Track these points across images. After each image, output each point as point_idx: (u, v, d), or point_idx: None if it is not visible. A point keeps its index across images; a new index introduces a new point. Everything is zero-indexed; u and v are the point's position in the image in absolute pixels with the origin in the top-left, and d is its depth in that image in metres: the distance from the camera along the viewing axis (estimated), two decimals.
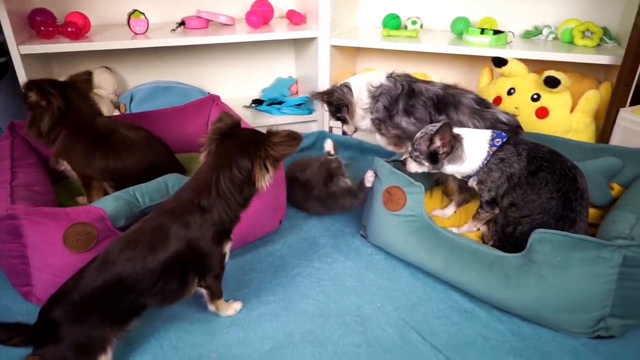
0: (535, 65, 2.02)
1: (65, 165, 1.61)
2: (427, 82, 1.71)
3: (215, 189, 1.09)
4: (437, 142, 1.40)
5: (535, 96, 1.92)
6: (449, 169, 1.46)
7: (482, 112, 1.59)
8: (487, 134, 1.43)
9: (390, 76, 1.72)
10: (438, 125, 1.40)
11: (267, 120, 2.46)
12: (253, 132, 1.16)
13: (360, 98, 1.74)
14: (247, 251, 1.60)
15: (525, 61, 1.98)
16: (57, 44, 2.00)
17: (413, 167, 1.50)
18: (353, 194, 1.66)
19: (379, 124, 1.74)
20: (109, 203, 1.38)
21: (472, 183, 1.48)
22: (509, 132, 1.51)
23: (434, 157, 1.43)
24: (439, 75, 2.55)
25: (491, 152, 1.40)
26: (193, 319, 1.30)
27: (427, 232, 1.41)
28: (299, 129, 2.48)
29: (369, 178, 1.57)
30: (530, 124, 1.90)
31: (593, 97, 1.85)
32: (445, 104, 1.61)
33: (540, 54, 2.00)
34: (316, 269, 1.52)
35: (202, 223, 1.10)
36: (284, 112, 2.52)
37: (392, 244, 1.52)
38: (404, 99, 1.67)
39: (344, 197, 1.70)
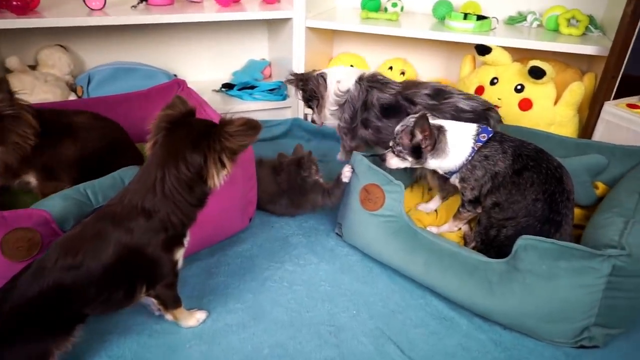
0: (517, 53, 1.94)
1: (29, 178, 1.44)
2: (385, 86, 1.61)
3: (160, 189, 0.96)
4: (419, 135, 1.31)
5: (519, 87, 1.84)
6: (432, 163, 1.37)
7: (440, 105, 1.50)
8: (472, 128, 1.34)
9: (359, 81, 1.65)
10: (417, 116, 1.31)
11: (238, 106, 2.31)
12: (207, 123, 1.01)
13: (329, 97, 1.69)
14: (214, 252, 1.48)
15: (507, 49, 1.89)
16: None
17: (394, 162, 1.40)
18: (326, 190, 1.56)
19: (344, 133, 1.77)
20: (56, 203, 1.24)
21: (454, 180, 1.40)
22: (475, 119, 1.44)
23: (417, 151, 1.34)
24: (419, 61, 2.47)
25: (475, 148, 1.31)
26: (151, 332, 1.19)
27: (406, 233, 1.33)
28: (272, 115, 2.36)
29: (345, 173, 1.47)
30: (513, 116, 1.83)
31: (578, 90, 1.78)
32: (396, 111, 1.55)
33: (525, 42, 1.91)
34: (288, 272, 1.42)
35: (147, 228, 0.97)
36: (256, 98, 2.38)
37: (369, 245, 1.43)
38: (361, 111, 1.65)
39: (315, 191, 1.58)
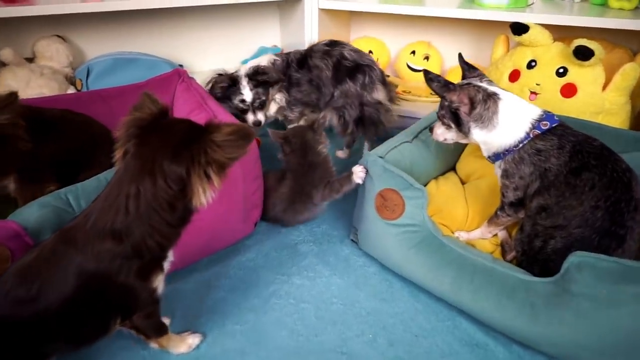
0: (556, 32, 1.69)
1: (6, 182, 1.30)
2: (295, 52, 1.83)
3: (134, 208, 0.80)
4: (453, 97, 1.13)
5: (561, 70, 1.60)
6: (477, 135, 1.15)
7: (331, 50, 1.73)
8: (534, 110, 1.13)
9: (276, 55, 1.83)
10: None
11: None
12: (187, 126, 0.84)
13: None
14: (214, 262, 1.33)
15: (547, 27, 1.65)
16: None
17: (440, 132, 1.23)
18: (334, 182, 1.37)
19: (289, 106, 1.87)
20: (32, 212, 1.10)
21: (497, 170, 1.19)
22: (352, 68, 1.70)
23: (456, 115, 1.16)
24: (444, 44, 2.24)
25: (531, 135, 1.10)
26: (139, 358, 1.04)
27: (430, 245, 1.14)
28: None
29: (358, 173, 1.28)
30: (555, 103, 1.59)
31: (632, 72, 1.53)
32: (305, 62, 1.76)
33: (567, 19, 1.67)
34: (295, 287, 1.25)
35: (117, 254, 0.81)
36: None
37: (387, 256, 1.25)
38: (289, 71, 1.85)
39: (325, 170, 1.42)
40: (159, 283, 0.90)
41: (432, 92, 2.11)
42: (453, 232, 1.35)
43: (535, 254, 1.08)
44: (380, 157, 1.22)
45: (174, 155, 0.79)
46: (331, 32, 2.18)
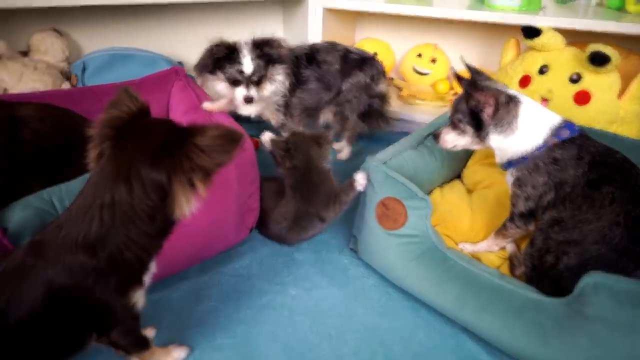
0: (569, 37, 1.62)
1: None
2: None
3: (109, 219, 0.72)
4: (480, 97, 1.07)
5: (574, 77, 1.53)
6: (494, 140, 1.09)
7: (336, 45, 1.67)
8: (554, 118, 1.07)
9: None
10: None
11: None
12: (170, 128, 0.77)
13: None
14: (205, 269, 1.26)
15: (560, 31, 1.59)
16: None
17: (450, 138, 1.16)
18: (337, 194, 1.27)
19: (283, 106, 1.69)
20: (13, 214, 1.05)
21: (508, 178, 1.13)
22: (362, 61, 1.66)
23: (477, 119, 1.09)
24: (452, 47, 2.18)
25: (549, 143, 1.04)
26: None
27: (433, 258, 1.07)
28: None
29: (360, 181, 1.21)
30: (567, 111, 1.52)
31: None
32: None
33: (583, 23, 1.60)
34: (290, 297, 1.18)
35: (90, 268, 0.74)
36: None
37: (388, 268, 1.18)
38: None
39: (327, 187, 1.28)
40: (138, 298, 0.82)
41: (439, 94, 2.07)
42: (457, 244, 1.28)
43: (547, 270, 1.01)
44: (383, 163, 1.15)
45: (154, 160, 0.72)
46: (335, 32, 2.11)
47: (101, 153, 0.75)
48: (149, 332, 1.04)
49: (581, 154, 1.02)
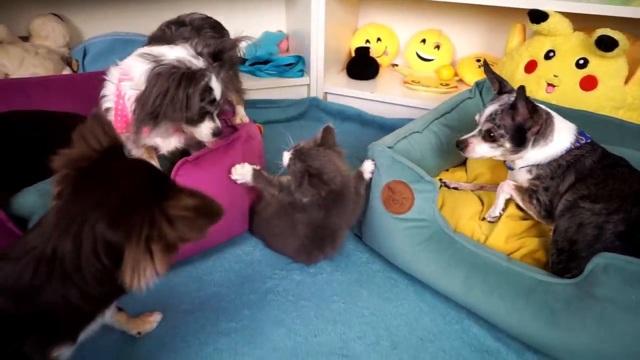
0: (575, 22, 1.60)
1: None
2: None
3: (45, 274, 0.62)
4: (522, 111, 1.07)
5: (581, 61, 1.51)
6: (530, 152, 1.12)
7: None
8: (572, 125, 1.15)
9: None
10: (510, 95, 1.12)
11: (250, 83, 2.04)
12: (143, 177, 0.66)
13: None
14: (207, 254, 1.25)
15: (566, 16, 1.56)
16: None
17: (481, 150, 1.13)
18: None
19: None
20: (26, 200, 1.05)
21: (523, 175, 1.15)
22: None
23: (521, 135, 1.08)
24: (456, 33, 2.15)
25: (572, 147, 1.11)
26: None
27: (440, 242, 1.06)
28: (287, 94, 2.10)
29: (368, 168, 1.19)
30: (574, 96, 1.51)
31: None
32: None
33: (591, 7, 1.57)
34: (295, 283, 1.18)
35: (12, 316, 0.62)
36: (270, 74, 2.12)
37: (393, 253, 1.17)
38: None
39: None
40: (63, 354, 0.69)
41: (442, 83, 2.05)
42: (440, 180, 1.34)
43: (589, 245, 0.98)
44: (389, 147, 1.14)
45: (112, 217, 0.61)
46: (338, 17, 2.09)
47: (60, 193, 0.65)
48: (155, 317, 1.04)
49: (594, 148, 1.10)
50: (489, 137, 1.11)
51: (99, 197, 0.63)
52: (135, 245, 0.60)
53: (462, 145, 1.15)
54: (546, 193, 1.10)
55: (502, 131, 1.09)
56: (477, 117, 1.16)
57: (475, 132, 1.15)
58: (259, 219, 1.28)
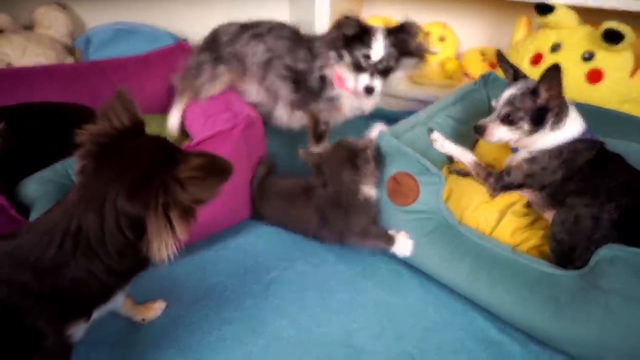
0: (581, 15, 1.59)
1: None
2: None
3: (70, 249, 0.64)
4: (544, 94, 1.05)
5: (587, 55, 1.51)
6: (542, 135, 1.10)
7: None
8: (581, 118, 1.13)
9: None
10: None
11: None
12: (160, 151, 0.67)
13: None
14: (210, 244, 1.25)
15: (573, 9, 1.55)
16: None
17: (501, 133, 1.11)
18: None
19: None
20: (30, 188, 1.04)
21: (520, 154, 1.14)
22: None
23: (541, 116, 1.07)
24: (461, 26, 2.14)
25: (577, 137, 1.10)
26: (129, 344, 0.98)
27: (445, 234, 1.06)
28: None
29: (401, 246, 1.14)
30: (579, 90, 1.50)
31: None
32: None
33: (596, 0, 1.56)
34: (298, 274, 1.18)
35: (32, 291, 0.64)
36: None
37: None
38: None
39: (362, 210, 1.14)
40: (76, 332, 0.71)
41: (446, 76, 2.04)
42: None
43: (587, 236, 0.98)
44: (395, 137, 1.13)
45: (133, 191, 0.62)
46: (343, 8, 2.06)
47: (83, 169, 0.67)
48: (160, 304, 1.04)
49: (594, 144, 1.09)
50: (507, 120, 1.10)
51: (118, 173, 0.65)
52: (154, 215, 0.62)
53: (480, 130, 1.14)
54: (524, 177, 1.11)
55: (521, 114, 1.09)
56: (493, 103, 1.16)
57: (492, 116, 1.14)
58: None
